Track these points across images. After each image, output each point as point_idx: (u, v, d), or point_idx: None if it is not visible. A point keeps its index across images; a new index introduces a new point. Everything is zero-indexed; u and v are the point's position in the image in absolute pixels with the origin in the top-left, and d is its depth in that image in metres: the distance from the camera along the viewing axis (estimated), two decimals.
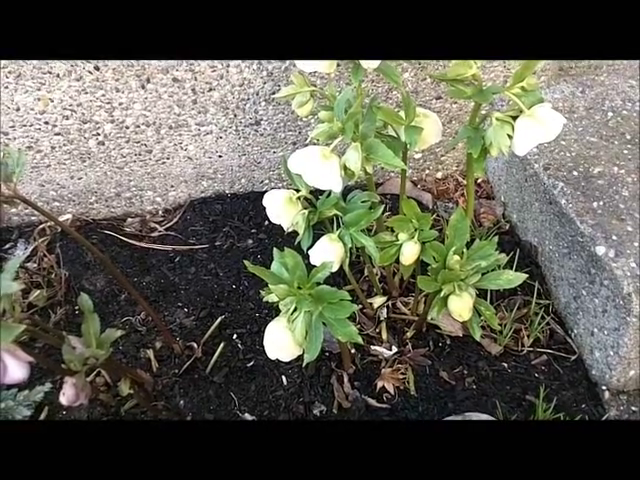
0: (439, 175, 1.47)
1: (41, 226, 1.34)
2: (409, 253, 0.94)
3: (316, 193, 0.93)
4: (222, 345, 1.15)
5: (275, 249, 0.86)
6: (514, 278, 0.90)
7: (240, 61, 1.20)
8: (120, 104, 1.22)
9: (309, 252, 0.93)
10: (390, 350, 1.13)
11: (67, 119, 1.22)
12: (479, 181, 1.44)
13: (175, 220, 1.39)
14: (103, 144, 1.27)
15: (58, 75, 1.16)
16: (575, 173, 1.15)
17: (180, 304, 1.23)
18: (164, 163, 1.34)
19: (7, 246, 1.33)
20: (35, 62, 1.14)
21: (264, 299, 0.84)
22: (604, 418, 1.06)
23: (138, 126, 1.26)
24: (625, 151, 1.18)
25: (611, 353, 1.05)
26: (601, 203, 1.09)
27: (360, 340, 0.84)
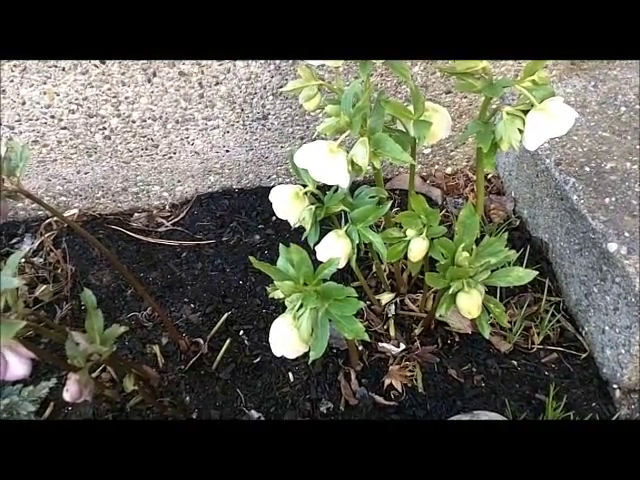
0: (449, 170, 1.46)
1: (47, 221, 1.34)
2: (417, 249, 0.93)
3: (323, 188, 0.92)
4: (228, 341, 1.14)
5: (281, 245, 0.85)
6: (524, 275, 0.89)
7: None
8: (126, 98, 1.21)
9: (316, 248, 0.92)
10: (398, 347, 1.12)
11: (73, 113, 1.21)
12: (489, 176, 1.43)
13: (182, 215, 1.38)
14: (109, 138, 1.27)
15: (64, 69, 1.15)
16: (587, 169, 1.13)
17: (186, 300, 1.23)
18: (171, 158, 1.33)
19: (14, 240, 1.33)
20: None
21: (270, 295, 0.83)
22: (615, 417, 1.05)
23: (144, 120, 1.25)
24: (638, 146, 1.16)
25: (622, 351, 1.03)
26: (613, 199, 1.07)
27: (367, 337, 0.83)
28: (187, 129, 1.28)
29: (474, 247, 0.88)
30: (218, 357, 1.13)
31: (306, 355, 0.83)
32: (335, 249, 0.91)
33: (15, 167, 0.80)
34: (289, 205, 0.91)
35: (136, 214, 1.40)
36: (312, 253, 0.88)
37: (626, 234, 1.01)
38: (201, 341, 1.15)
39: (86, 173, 1.32)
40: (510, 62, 1.28)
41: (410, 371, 1.10)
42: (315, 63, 0.87)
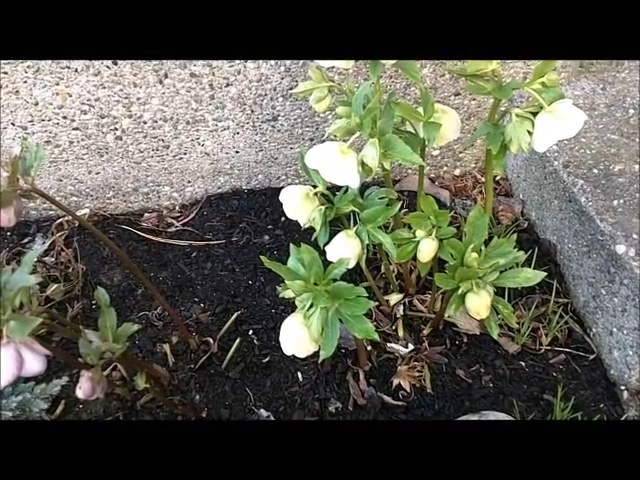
0: (457, 172, 1.46)
1: (59, 220, 1.35)
2: (426, 250, 0.94)
3: (333, 189, 0.92)
4: (238, 341, 1.15)
5: (292, 245, 0.85)
6: (533, 276, 0.89)
7: None
8: (138, 99, 1.22)
9: (326, 248, 0.92)
10: (406, 347, 1.13)
11: (85, 114, 1.23)
12: (498, 178, 1.43)
13: (192, 216, 1.39)
14: (121, 139, 1.28)
15: (76, 70, 1.16)
16: (595, 171, 1.13)
17: (196, 299, 1.23)
18: (181, 158, 1.34)
19: (25, 240, 1.34)
20: None
21: (280, 295, 0.84)
22: (623, 418, 1.05)
23: (156, 121, 1.26)
24: None
25: (630, 353, 1.04)
26: (621, 201, 1.07)
27: (377, 337, 0.83)
28: (197, 130, 1.29)
29: (483, 248, 0.89)
30: (228, 356, 1.13)
31: (315, 355, 0.83)
32: (345, 249, 0.91)
33: (30, 167, 0.81)
34: (299, 205, 0.92)
35: (146, 214, 1.40)
36: (321, 253, 0.88)
37: (634, 236, 1.02)
38: (211, 340, 1.15)
39: (97, 173, 1.33)
40: (519, 64, 1.28)
41: (418, 371, 1.10)
42: (325, 65, 0.88)
